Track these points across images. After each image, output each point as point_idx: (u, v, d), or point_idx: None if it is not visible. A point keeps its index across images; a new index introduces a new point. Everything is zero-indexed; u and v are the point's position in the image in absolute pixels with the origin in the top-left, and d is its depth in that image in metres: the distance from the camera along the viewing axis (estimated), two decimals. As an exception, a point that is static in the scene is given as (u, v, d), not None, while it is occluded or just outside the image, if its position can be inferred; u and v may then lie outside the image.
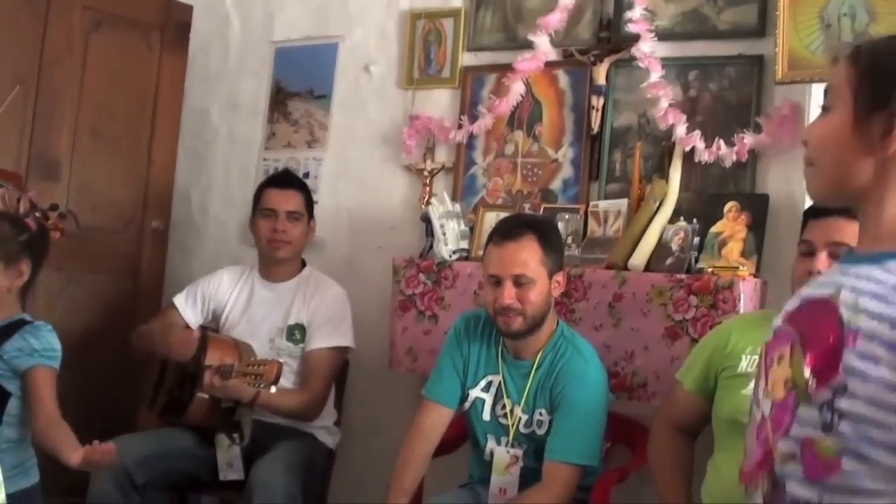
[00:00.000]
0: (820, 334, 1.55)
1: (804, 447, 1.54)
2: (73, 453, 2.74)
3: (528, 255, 2.98)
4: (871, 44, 1.70)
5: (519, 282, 2.97)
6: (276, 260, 3.84)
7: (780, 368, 1.60)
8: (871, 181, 1.60)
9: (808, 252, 2.70)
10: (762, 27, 3.48)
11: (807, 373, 1.54)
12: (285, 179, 3.96)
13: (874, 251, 1.59)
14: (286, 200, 3.83)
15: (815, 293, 1.64)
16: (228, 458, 3.57)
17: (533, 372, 3.07)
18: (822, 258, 2.65)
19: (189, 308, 3.90)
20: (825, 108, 1.69)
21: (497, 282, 3.01)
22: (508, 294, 2.97)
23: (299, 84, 4.53)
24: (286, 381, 3.64)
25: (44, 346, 2.88)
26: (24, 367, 2.84)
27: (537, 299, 2.98)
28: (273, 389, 3.29)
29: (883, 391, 1.47)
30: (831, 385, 1.51)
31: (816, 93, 3.27)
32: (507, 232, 3.06)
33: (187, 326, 3.84)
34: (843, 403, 1.49)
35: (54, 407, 2.85)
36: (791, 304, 1.69)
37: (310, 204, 3.91)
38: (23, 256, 2.90)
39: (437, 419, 3.15)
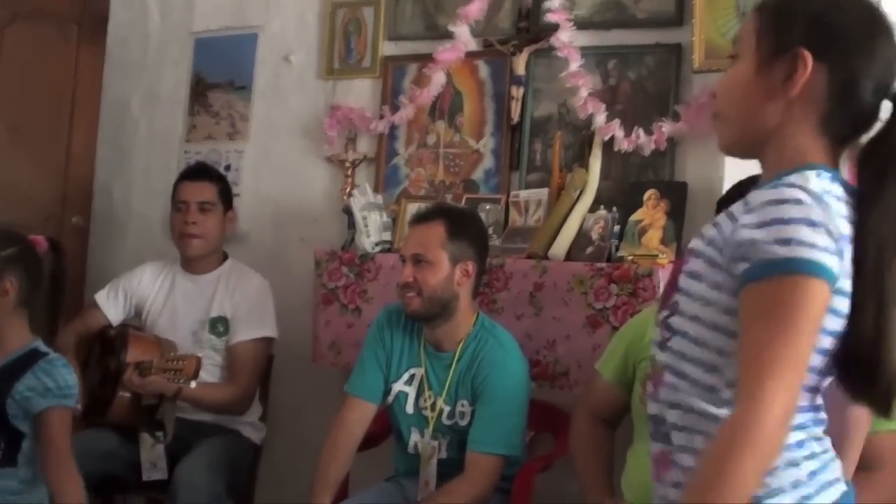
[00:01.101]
0: (677, 262, 1.70)
1: (652, 365, 1.67)
2: None
3: (429, 237, 3.04)
4: None
5: (417, 260, 3.04)
6: (192, 256, 3.81)
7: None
8: (777, 125, 1.63)
9: None
10: (679, 16, 3.49)
11: (659, 295, 1.65)
12: (197, 171, 3.93)
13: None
14: (197, 191, 3.79)
15: None
16: (152, 457, 3.52)
17: (454, 363, 3.08)
18: None
19: (111, 304, 3.85)
20: (733, 58, 1.72)
21: (404, 261, 3.09)
22: (407, 272, 3.05)
23: (219, 75, 4.48)
24: (211, 375, 3.64)
25: (58, 384, 2.68)
26: (38, 410, 2.65)
27: (433, 281, 3.01)
28: (193, 384, 3.28)
29: (702, 307, 1.57)
30: (668, 304, 1.63)
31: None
32: (419, 216, 3.18)
33: (109, 325, 3.79)
34: (674, 321, 1.61)
35: (67, 452, 2.69)
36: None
37: (226, 195, 3.86)
38: (6, 273, 2.70)
39: (360, 414, 3.14)
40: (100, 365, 3.63)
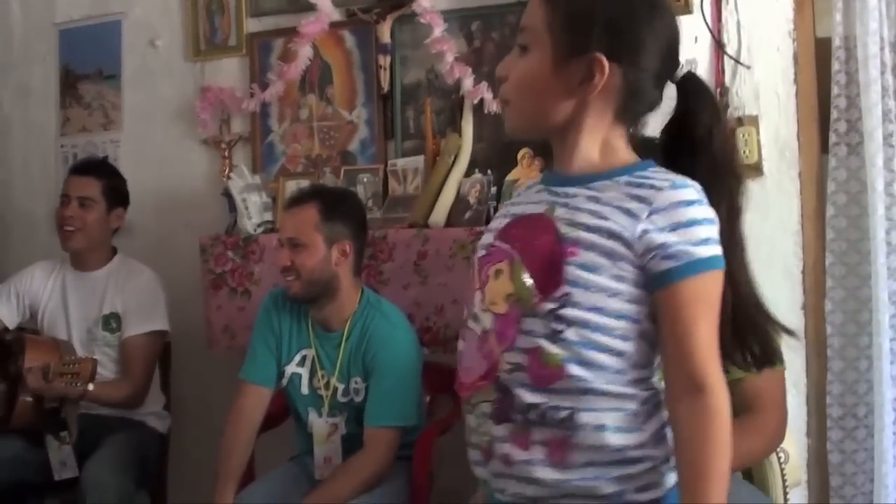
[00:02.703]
0: (539, 249, 1.67)
1: (531, 356, 1.65)
2: None
3: (302, 221, 3.08)
4: None
5: (293, 244, 3.07)
6: (69, 250, 3.80)
7: (500, 283, 1.70)
8: (568, 118, 1.70)
9: None
10: (538, -28, 3.51)
11: (529, 285, 1.65)
12: (82, 166, 3.89)
13: (575, 174, 1.71)
14: (79, 186, 3.76)
15: (525, 210, 1.75)
16: (60, 456, 3.53)
17: (343, 342, 3.11)
18: None
19: (4, 307, 3.81)
20: (522, 48, 1.74)
21: (282, 245, 3.13)
22: (283, 256, 3.09)
23: (87, 66, 4.42)
24: (108, 370, 3.65)
25: None
26: None
27: (309, 264, 3.05)
28: (91, 387, 3.28)
29: (606, 297, 1.62)
30: (555, 296, 1.63)
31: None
32: (292, 200, 3.21)
33: (5, 328, 3.77)
34: (567, 312, 1.62)
35: None
36: (499, 222, 1.80)
37: (113, 192, 3.81)
38: None
39: (256, 400, 3.17)
40: (-1, 371, 3.61)
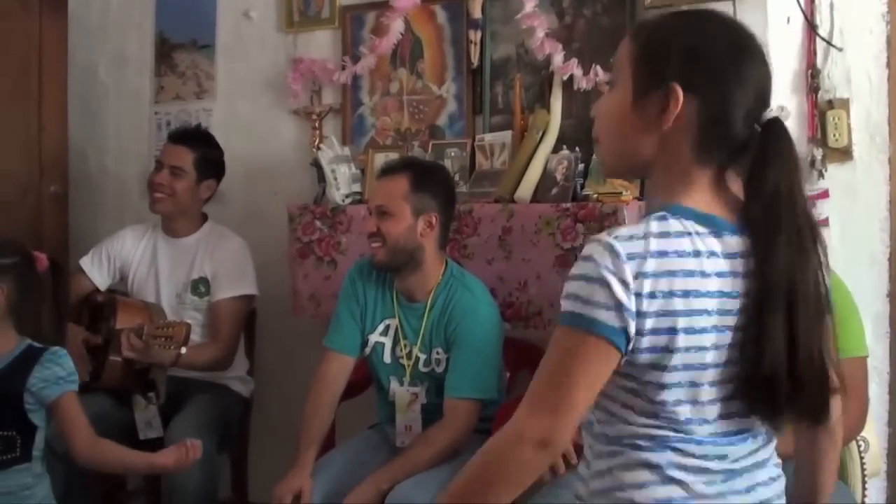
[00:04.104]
0: None
1: None
2: (158, 458, 2.86)
3: (392, 190, 3.11)
4: (648, 21, 1.76)
5: (380, 212, 3.10)
6: (155, 212, 3.89)
7: None
8: (653, 154, 1.68)
9: None
10: (632, -48, 3.49)
11: None
12: (179, 135, 3.96)
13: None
14: (172, 155, 3.84)
15: None
16: (146, 416, 3.62)
17: (426, 313, 3.14)
18: None
19: (96, 269, 3.92)
20: (611, 84, 1.75)
21: (371, 213, 3.17)
22: (371, 222, 3.13)
23: (182, 35, 4.50)
24: (195, 335, 3.67)
25: (67, 371, 2.81)
26: (55, 397, 2.77)
27: (395, 231, 3.08)
28: (184, 350, 3.33)
29: None
30: None
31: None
32: (384, 169, 3.22)
33: (96, 289, 3.86)
34: None
35: (90, 427, 2.83)
36: None
37: (204, 163, 3.88)
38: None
39: (339, 368, 3.22)
40: (90, 331, 3.69)
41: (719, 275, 1.60)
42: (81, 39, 4.69)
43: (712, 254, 1.60)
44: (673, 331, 1.58)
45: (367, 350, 3.24)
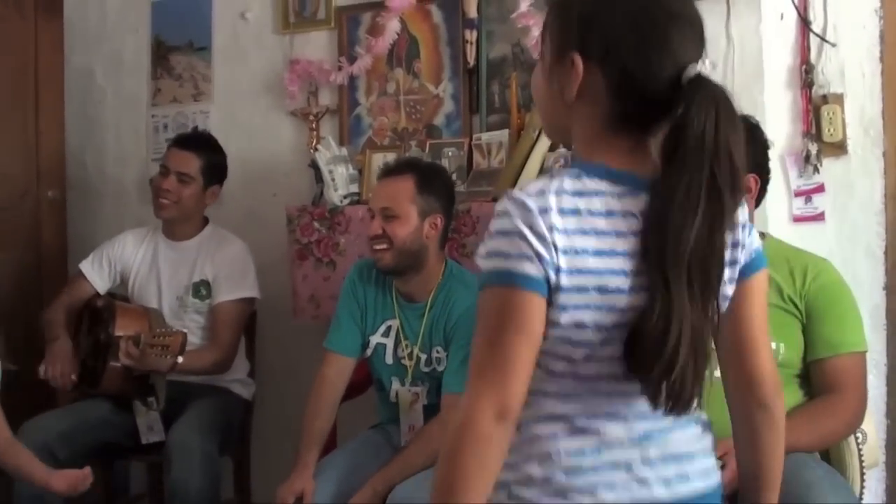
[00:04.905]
0: None
1: None
2: (54, 479, 2.77)
3: (398, 191, 3.09)
4: None
5: (386, 215, 3.08)
6: (160, 218, 3.88)
7: None
8: (570, 123, 1.63)
9: None
10: (623, -55, 3.50)
11: None
12: (185, 140, 3.95)
13: None
14: (179, 161, 3.82)
15: None
16: (148, 421, 3.63)
17: (426, 313, 3.15)
18: None
19: (96, 273, 3.92)
20: (540, 55, 1.72)
21: (373, 215, 3.14)
22: (375, 225, 3.10)
23: (179, 37, 4.49)
24: (196, 337, 3.72)
25: None
26: None
27: (402, 234, 3.06)
28: (180, 359, 3.35)
29: None
30: None
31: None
32: (388, 170, 3.21)
33: (96, 294, 3.87)
34: None
35: (8, 429, 2.80)
36: None
37: (211, 170, 3.87)
38: None
39: (339, 369, 3.23)
40: (90, 336, 3.69)
41: (634, 234, 1.53)
42: (78, 43, 4.69)
43: (627, 213, 1.54)
44: (584, 289, 1.52)
45: (369, 351, 3.25)
